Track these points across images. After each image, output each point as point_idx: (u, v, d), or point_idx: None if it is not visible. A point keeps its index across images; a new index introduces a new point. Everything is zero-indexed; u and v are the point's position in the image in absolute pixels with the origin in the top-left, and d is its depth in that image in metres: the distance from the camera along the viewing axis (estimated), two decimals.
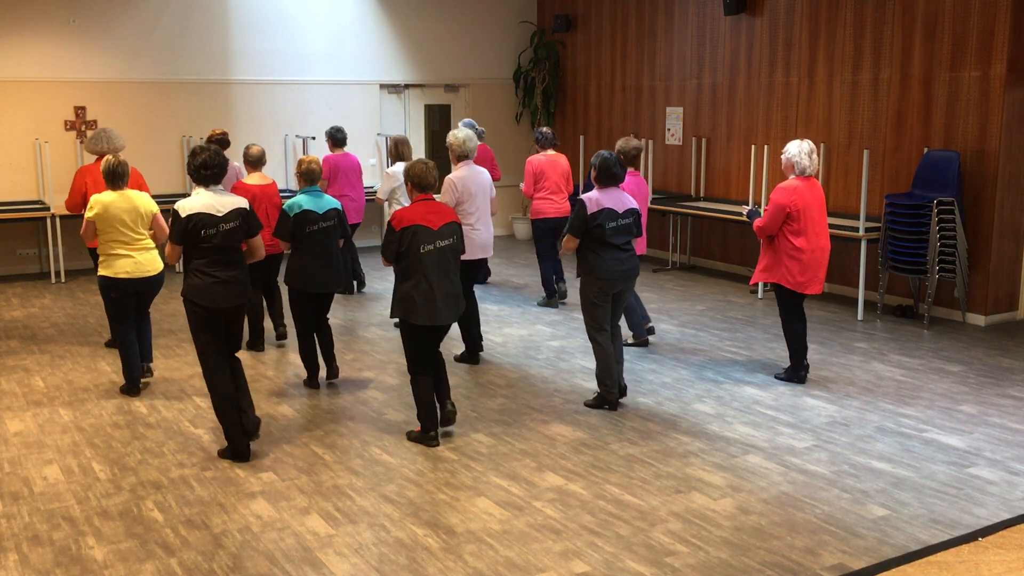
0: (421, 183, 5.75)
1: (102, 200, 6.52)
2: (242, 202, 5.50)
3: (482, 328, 8.49)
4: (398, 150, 8.70)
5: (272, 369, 7.36)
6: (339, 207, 6.85)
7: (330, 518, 4.81)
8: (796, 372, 7.02)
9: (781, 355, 7.69)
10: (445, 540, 4.57)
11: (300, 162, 6.88)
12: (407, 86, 13.12)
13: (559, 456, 5.62)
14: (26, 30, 10.82)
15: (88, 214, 6.53)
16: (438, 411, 5.88)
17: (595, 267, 6.27)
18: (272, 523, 4.75)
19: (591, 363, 7.47)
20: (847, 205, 9.79)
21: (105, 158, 6.69)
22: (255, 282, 7.48)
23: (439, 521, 4.77)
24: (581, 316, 8.77)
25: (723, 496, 5.06)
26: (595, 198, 6.24)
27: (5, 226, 10.74)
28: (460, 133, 7.42)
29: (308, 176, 6.80)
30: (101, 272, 6.60)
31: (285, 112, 12.19)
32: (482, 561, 4.36)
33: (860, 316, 8.95)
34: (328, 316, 7.06)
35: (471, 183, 7.33)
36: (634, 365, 7.44)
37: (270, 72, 12.12)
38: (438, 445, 5.78)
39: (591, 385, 6.93)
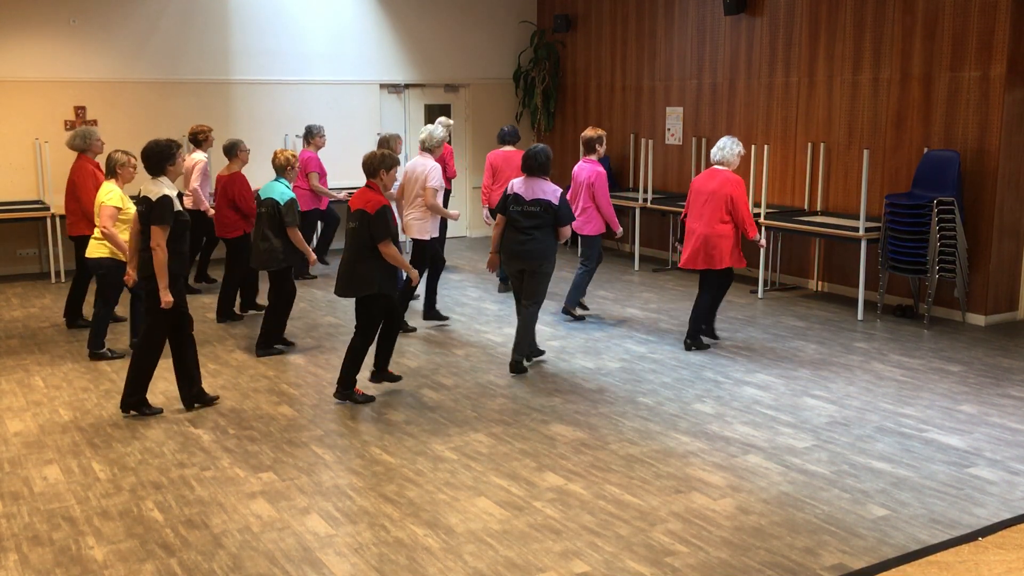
0: (365, 170, 6.48)
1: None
2: (155, 194, 6.02)
3: (482, 327, 8.55)
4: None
5: (272, 369, 7.36)
6: (278, 199, 7.43)
7: (330, 518, 4.81)
8: (693, 339, 7.85)
9: (782, 355, 7.70)
10: (445, 540, 4.57)
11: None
12: (407, 86, 13.12)
13: (559, 456, 5.62)
14: (26, 30, 10.83)
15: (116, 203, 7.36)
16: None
17: (502, 243, 7.21)
18: (272, 523, 4.75)
19: (591, 363, 7.49)
20: (847, 205, 9.79)
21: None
22: (240, 263, 8.64)
23: (439, 521, 4.77)
24: (580, 316, 8.89)
25: (723, 496, 5.06)
26: (515, 184, 7.17)
27: (5, 226, 10.74)
28: (425, 129, 8.51)
29: (273, 168, 7.67)
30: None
31: (285, 112, 12.19)
32: (482, 561, 4.37)
33: (860, 316, 8.96)
34: (284, 293, 7.67)
35: (409, 171, 8.35)
36: (634, 365, 7.44)
37: (270, 72, 12.12)
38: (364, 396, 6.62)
39: (591, 385, 6.95)
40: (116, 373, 7.25)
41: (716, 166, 7.65)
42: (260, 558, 4.40)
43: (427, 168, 8.26)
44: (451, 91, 13.48)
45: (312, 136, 10.57)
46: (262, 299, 9.13)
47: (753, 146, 10.20)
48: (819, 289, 10.25)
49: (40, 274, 11.13)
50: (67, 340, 8.21)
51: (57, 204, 10.86)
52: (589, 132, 8.64)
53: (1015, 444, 5.80)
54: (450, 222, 9.95)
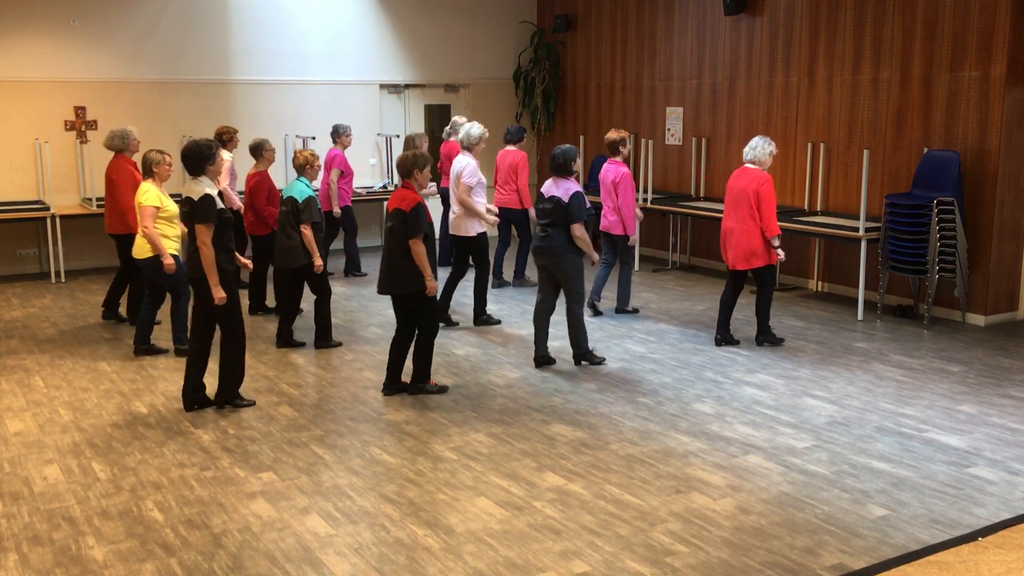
0: (399, 171, 6.65)
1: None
2: (196, 194, 6.08)
3: (482, 327, 8.56)
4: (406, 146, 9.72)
5: (272, 369, 7.36)
6: (296, 196, 7.61)
7: (330, 518, 4.81)
8: (717, 342, 8.03)
9: (782, 355, 7.71)
10: (445, 540, 4.57)
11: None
12: (407, 86, 13.12)
13: (559, 456, 5.62)
14: (26, 30, 10.82)
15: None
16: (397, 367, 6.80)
17: None
18: (272, 523, 4.75)
19: (591, 363, 7.49)
20: (847, 205, 9.78)
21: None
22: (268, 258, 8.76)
23: (439, 521, 4.78)
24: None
25: (723, 496, 5.06)
26: (545, 183, 7.38)
27: (5, 226, 10.74)
28: (461, 129, 8.83)
29: (294, 167, 7.84)
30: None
31: (285, 112, 12.19)
32: (482, 561, 4.37)
33: (860, 316, 8.95)
34: (323, 289, 7.87)
35: (452, 171, 8.73)
36: (634, 365, 7.44)
37: (270, 72, 12.12)
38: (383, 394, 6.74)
39: (591, 385, 6.95)
40: (116, 373, 7.26)
41: (748, 165, 7.73)
42: (260, 558, 4.40)
43: (461, 166, 8.56)
44: (451, 91, 13.48)
45: (339, 135, 10.64)
46: (270, 301, 9.14)
47: None
48: (819, 289, 10.24)
49: (40, 274, 11.13)
50: (67, 340, 8.21)
51: (57, 204, 10.88)
52: (612, 134, 8.80)
53: (1015, 444, 5.80)
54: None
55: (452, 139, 10.85)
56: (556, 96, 13.58)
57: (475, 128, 8.70)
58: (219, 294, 6.11)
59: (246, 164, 9.77)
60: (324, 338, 7.94)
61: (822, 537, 4.59)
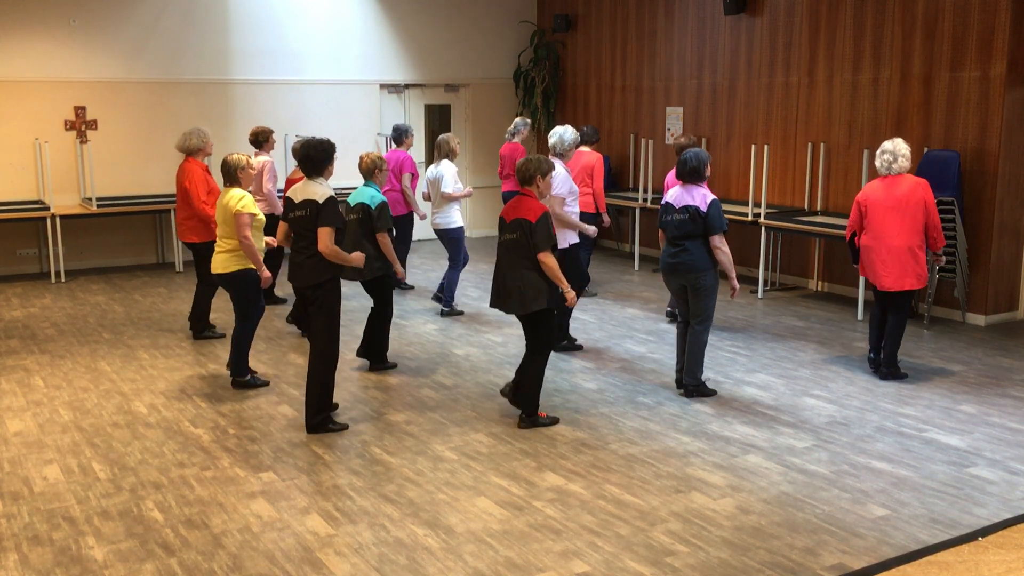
0: (519, 177, 6.02)
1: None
2: (321, 195, 5.78)
3: (482, 327, 8.53)
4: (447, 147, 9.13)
5: (272, 368, 7.35)
6: (369, 203, 6.97)
7: (330, 518, 4.81)
8: (874, 365, 7.20)
9: (781, 355, 7.70)
10: (445, 540, 4.57)
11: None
12: (407, 86, 13.12)
13: (559, 456, 5.62)
14: (26, 30, 10.83)
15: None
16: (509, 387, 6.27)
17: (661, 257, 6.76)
18: (272, 523, 4.75)
19: (591, 363, 7.49)
20: (847, 205, 9.78)
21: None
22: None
23: (439, 521, 4.78)
24: (580, 317, 8.88)
25: (723, 496, 5.06)
26: (670, 192, 6.69)
27: (5, 226, 10.74)
28: (554, 132, 7.66)
29: (361, 172, 7.24)
30: None
31: (285, 112, 12.19)
32: (482, 561, 4.37)
33: (860, 316, 8.95)
34: (386, 304, 7.24)
35: None
36: (634, 365, 7.44)
37: (270, 72, 12.12)
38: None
39: (591, 385, 6.94)
40: (116, 373, 7.25)
41: (896, 172, 6.85)
42: (260, 558, 4.40)
43: (554, 176, 7.32)
44: (451, 91, 13.48)
45: (406, 136, 9.94)
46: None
47: (753, 146, 10.20)
48: (819, 289, 10.25)
49: (40, 274, 11.13)
50: (67, 340, 8.21)
51: (58, 204, 10.88)
52: (689, 145, 8.15)
53: (1015, 444, 5.80)
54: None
55: (516, 140, 10.32)
56: (556, 96, 13.58)
57: (569, 133, 7.59)
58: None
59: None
60: (380, 360, 7.33)
61: (822, 537, 4.60)
